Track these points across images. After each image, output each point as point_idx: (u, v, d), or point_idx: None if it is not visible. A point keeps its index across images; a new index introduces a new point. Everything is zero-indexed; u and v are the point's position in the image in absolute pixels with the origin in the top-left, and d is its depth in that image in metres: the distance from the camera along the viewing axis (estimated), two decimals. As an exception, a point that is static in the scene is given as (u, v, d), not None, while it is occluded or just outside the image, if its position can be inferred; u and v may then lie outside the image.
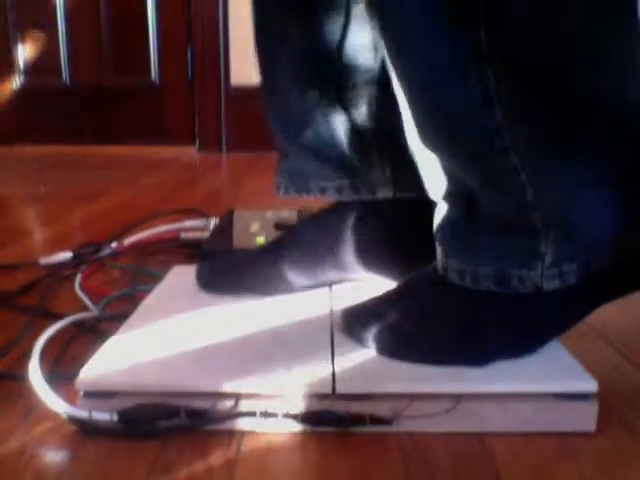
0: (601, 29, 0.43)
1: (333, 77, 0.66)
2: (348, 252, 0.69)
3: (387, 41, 0.49)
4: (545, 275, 0.50)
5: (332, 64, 0.66)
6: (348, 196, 0.69)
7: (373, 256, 0.69)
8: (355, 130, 0.67)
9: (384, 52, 0.50)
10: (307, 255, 0.69)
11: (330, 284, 0.71)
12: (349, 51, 0.65)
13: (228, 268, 0.71)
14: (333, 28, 0.64)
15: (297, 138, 0.69)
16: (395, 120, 0.63)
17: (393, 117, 0.63)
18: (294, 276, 0.69)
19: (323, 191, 0.70)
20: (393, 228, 0.69)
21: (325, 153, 0.68)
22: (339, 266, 0.69)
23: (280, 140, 0.71)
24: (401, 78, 0.50)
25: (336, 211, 0.70)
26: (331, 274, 0.70)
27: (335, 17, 0.64)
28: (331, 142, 0.68)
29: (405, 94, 0.51)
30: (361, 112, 0.67)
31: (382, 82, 0.65)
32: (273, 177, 0.74)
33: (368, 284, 0.70)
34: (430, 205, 0.60)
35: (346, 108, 0.67)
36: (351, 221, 0.69)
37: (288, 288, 0.69)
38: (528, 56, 0.44)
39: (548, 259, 0.50)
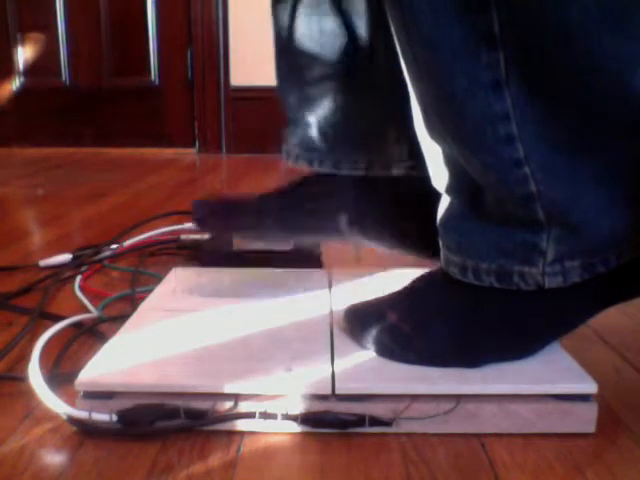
0: (620, 16, 0.41)
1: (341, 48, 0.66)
2: (343, 219, 0.68)
3: (396, 23, 0.48)
4: (547, 272, 0.50)
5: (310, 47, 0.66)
6: (362, 172, 0.68)
7: (368, 224, 0.68)
8: (371, 105, 0.67)
9: (393, 34, 0.50)
10: (302, 219, 0.68)
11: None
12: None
13: (225, 209, 0.70)
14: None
15: (308, 106, 0.68)
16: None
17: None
18: (294, 226, 0.68)
19: (337, 165, 0.69)
20: (397, 198, 0.69)
21: (338, 125, 0.68)
22: (333, 230, 0.69)
23: (289, 105, 0.70)
24: (408, 60, 0.50)
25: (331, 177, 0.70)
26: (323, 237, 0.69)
27: None
28: (343, 114, 0.67)
29: (412, 78, 0.51)
30: (377, 87, 0.66)
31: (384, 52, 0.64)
32: (282, 144, 0.72)
33: (367, 284, 0.70)
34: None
35: (361, 83, 0.66)
36: (349, 189, 0.68)
37: (284, 238, 0.69)
38: (541, 43, 0.43)
39: (550, 255, 0.50)
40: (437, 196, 0.59)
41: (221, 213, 0.70)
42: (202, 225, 0.69)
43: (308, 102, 0.68)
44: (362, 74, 0.66)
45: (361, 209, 0.68)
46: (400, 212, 0.68)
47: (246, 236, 0.69)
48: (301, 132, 0.70)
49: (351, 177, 0.69)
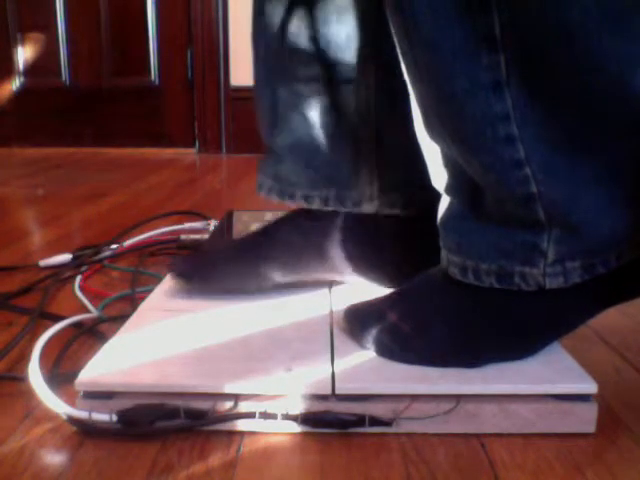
0: (620, 16, 0.41)
1: (304, 72, 0.66)
2: (335, 253, 0.68)
3: (396, 24, 0.48)
4: (547, 273, 0.50)
5: (297, 57, 0.65)
6: (333, 207, 0.68)
7: (360, 260, 0.68)
8: (340, 138, 0.67)
9: (393, 36, 0.50)
10: (291, 255, 0.68)
11: (311, 283, 0.70)
12: (321, 44, 0.64)
13: (205, 263, 0.69)
14: (277, 12, 0.64)
15: (274, 138, 0.68)
16: (387, 134, 0.63)
17: (384, 130, 0.63)
18: (276, 276, 0.68)
19: (307, 199, 0.69)
20: (379, 237, 0.69)
21: (307, 158, 0.68)
22: (324, 266, 0.69)
23: (264, 138, 0.71)
24: (408, 62, 0.50)
25: (319, 213, 0.69)
26: (315, 274, 0.69)
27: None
28: (311, 146, 0.67)
29: (412, 79, 0.51)
30: (349, 119, 0.66)
31: (367, 83, 0.65)
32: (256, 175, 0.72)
33: (367, 284, 0.70)
34: (412, 222, 0.61)
35: (332, 110, 0.66)
36: (338, 224, 0.68)
37: (268, 286, 0.68)
38: (542, 44, 0.43)
39: (550, 256, 0.50)
40: (405, 233, 0.60)
41: (202, 266, 0.69)
42: (183, 279, 0.69)
43: (292, 108, 0.68)
44: (343, 103, 0.66)
45: (350, 246, 0.68)
46: (372, 249, 0.68)
47: (230, 289, 0.69)
48: (275, 163, 0.70)
49: (322, 216, 0.69)
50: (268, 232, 0.70)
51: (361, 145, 0.66)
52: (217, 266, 0.69)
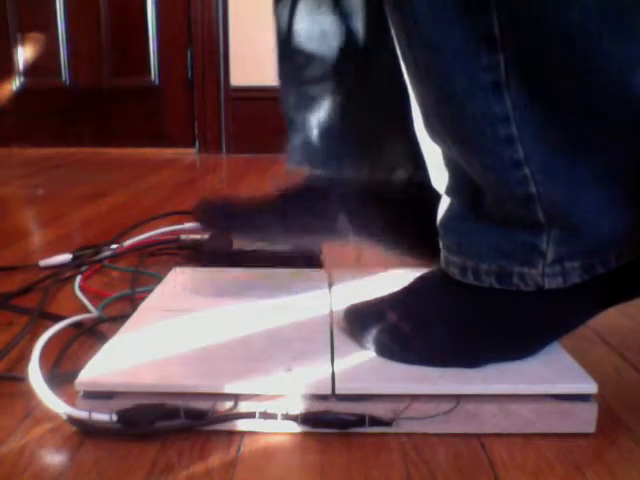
0: (620, 17, 0.41)
1: (312, 72, 0.66)
2: (338, 220, 0.69)
3: (396, 25, 0.48)
4: (546, 273, 0.50)
5: (305, 55, 0.66)
6: (366, 175, 0.68)
7: (361, 226, 0.69)
8: (371, 107, 0.67)
9: (393, 37, 0.50)
10: (297, 226, 0.69)
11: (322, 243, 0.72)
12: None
13: (229, 209, 0.71)
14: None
15: (309, 107, 0.68)
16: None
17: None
18: (295, 226, 0.69)
19: (339, 168, 0.68)
20: (379, 206, 0.69)
21: (338, 128, 0.68)
22: (329, 233, 0.70)
23: (289, 106, 0.70)
24: (408, 63, 0.50)
25: (322, 184, 0.70)
26: (319, 240, 0.70)
27: None
28: (344, 116, 0.67)
29: (412, 80, 0.51)
30: (377, 88, 0.66)
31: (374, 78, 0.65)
32: (285, 146, 0.72)
33: (367, 284, 0.70)
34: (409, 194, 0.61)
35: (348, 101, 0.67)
36: (340, 194, 0.69)
37: (286, 239, 0.70)
38: (541, 44, 0.43)
39: (549, 257, 0.50)
40: (437, 198, 0.59)
41: (223, 212, 0.70)
42: (204, 223, 0.70)
43: (308, 103, 0.68)
44: (361, 75, 0.67)
45: (362, 211, 0.68)
46: (400, 214, 0.68)
47: (247, 236, 0.70)
48: (302, 135, 0.70)
49: (353, 179, 0.69)
50: (283, 194, 0.71)
51: (388, 111, 0.66)
52: (241, 213, 0.70)
